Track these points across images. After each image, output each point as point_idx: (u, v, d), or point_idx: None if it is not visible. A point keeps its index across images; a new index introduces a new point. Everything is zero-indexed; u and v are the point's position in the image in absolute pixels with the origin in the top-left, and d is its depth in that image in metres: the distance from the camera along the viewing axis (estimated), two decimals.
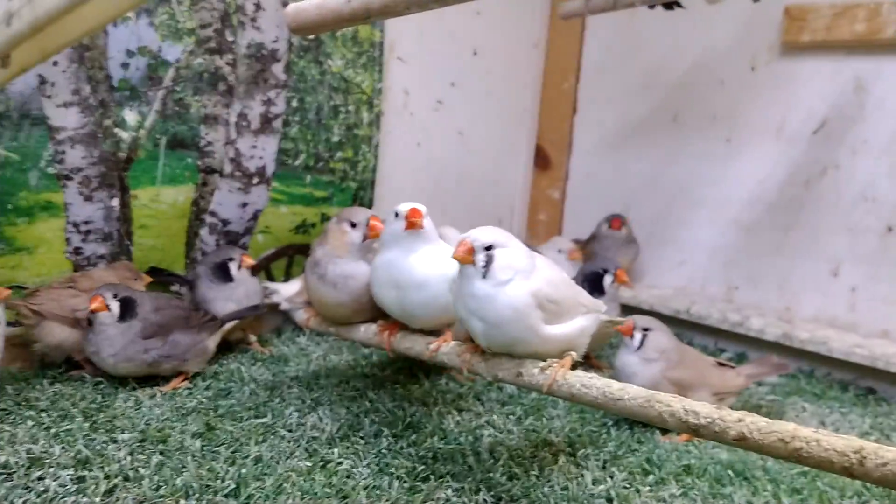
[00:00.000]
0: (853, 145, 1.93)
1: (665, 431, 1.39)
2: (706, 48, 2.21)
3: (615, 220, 2.21)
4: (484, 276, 1.02)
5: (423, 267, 1.17)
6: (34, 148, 1.49)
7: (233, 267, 1.69)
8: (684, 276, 2.28)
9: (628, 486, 1.17)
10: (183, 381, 1.49)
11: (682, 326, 2.16)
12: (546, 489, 1.13)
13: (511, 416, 1.43)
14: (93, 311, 1.40)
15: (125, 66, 1.59)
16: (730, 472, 1.24)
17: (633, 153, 2.42)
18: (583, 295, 1.13)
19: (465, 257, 1.03)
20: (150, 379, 1.48)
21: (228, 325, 1.62)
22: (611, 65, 2.47)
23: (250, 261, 1.72)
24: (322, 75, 1.97)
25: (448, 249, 1.17)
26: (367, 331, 1.33)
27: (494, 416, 1.41)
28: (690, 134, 2.27)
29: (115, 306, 1.42)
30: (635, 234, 2.28)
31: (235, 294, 1.68)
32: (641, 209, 2.36)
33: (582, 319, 1.09)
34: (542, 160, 2.65)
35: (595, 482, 1.17)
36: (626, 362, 1.48)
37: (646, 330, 1.46)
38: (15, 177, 1.48)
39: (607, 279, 1.77)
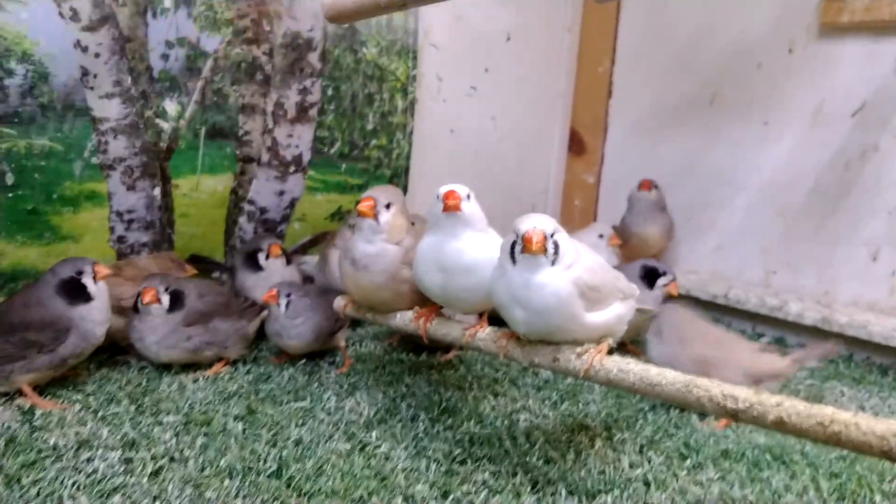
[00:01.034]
0: (893, 127, 1.89)
1: (703, 416, 1.39)
2: (743, 30, 2.17)
3: (645, 182, 2.19)
4: (553, 264, 1.02)
5: (472, 251, 1.16)
6: (78, 139, 1.53)
7: (261, 257, 1.70)
8: (722, 261, 2.26)
9: (665, 469, 1.17)
10: (224, 365, 1.52)
11: (720, 311, 2.14)
12: (583, 472, 1.13)
13: (547, 401, 1.43)
14: (146, 304, 1.43)
15: (165, 57, 1.62)
16: (767, 456, 1.24)
17: (669, 137, 2.40)
18: (620, 280, 1.13)
19: (541, 249, 1.02)
20: (194, 364, 1.51)
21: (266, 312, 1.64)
22: (646, 48, 2.44)
23: (278, 250, 1.71)
24: (357, 63, 1.98)
25: (495, 237, 1.17)
26: (402, 317, 1.34)
27: (530, 401, 1.42)
28: (727, 117, 2.24)
29: (165, 299, 1.45)
30: (672, 214, 2.26)
31: (269, 282, 1.68)
32: (678, 193, 2.33)
33: (619, 306, 1.09)
34: (576, 145, 2.63)
35: (632, 466, 1.17)
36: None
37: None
38: (60, 167, 1.52)
39: (662, 280, 1.74)
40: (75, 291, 1.31)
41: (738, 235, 2.22)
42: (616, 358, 1.01)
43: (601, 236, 2.18)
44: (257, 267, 1.70)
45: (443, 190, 1.17)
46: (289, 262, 1.76)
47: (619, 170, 2.53)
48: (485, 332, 1.18)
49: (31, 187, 1.50)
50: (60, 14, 1.47)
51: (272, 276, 1.70)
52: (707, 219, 2.29)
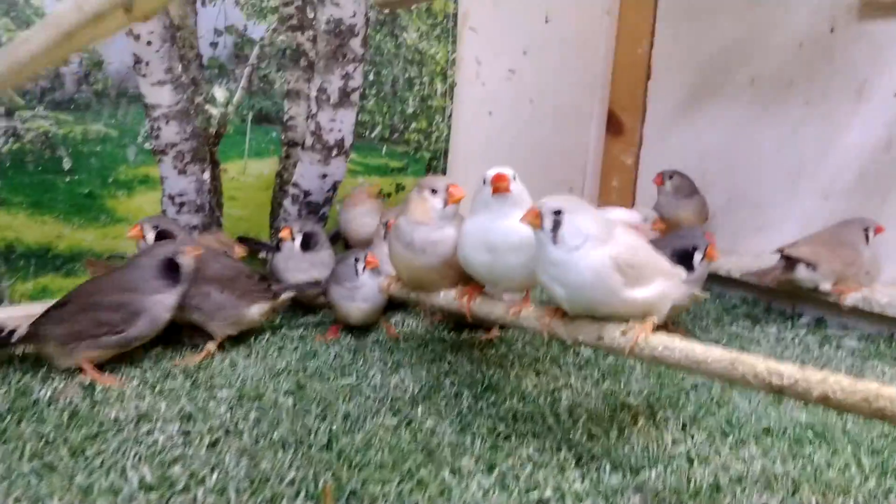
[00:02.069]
0: None
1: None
2: (784, 10, 2.15)
3: (657, 177, 2.19)
4: (554, 242, 1.05)
5: (520, 230, 1.16)
6: (131, 124, 1.59)
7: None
8: (762, 242, 2.25)
9: (708, 446, 1.18)
10: (206, 356, 1.46)
11: (760, 292, 2.14)
12: (626, 449, 1.15)
13: (588, 379, 1.45)
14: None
15: (214, 44, 1.67)
16: (809, 432, 1.24)
17: (709, 118, 2.38)
18: (662, 261, 1.15)
19: (533, 221, 1.05)
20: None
21: (284, 297, 1.61)
22: (685, 29, 2.42)
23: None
24: (397, 48, 2.01)
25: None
26: (446, 296, 1.37)
27: (572, 379, 1.44)
28: (768, 98, 2.22)
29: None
30: (711, 194, 2.25)
31: (301, 265, 1.71)
32: (717, 174, 2.33)
33: (662, 284, 1.10)
34: (614, 126, 2.63)
35: (675, 442, 1.19)
36: None
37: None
38: (115, 152, 1.58)
39: (697, 256, 1.73)
40: (170, 272, 1.37)
41: (779, 216, 2.21)
42: (661, 335, 1.03)
43: (645, 220, 2.20)
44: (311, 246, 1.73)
45: (490, 173, 1.19)
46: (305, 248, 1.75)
47: (658, 151, 2.52)
48: (529, 311, 1.20)
49: (87, 172, 1.56)
50: None
51: (304, 258, 1.72)
52: (748, 199, 2.28)
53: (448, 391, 1.36)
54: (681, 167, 2.36)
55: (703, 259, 1.72)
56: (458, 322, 1.71)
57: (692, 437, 1.21)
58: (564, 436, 1.20)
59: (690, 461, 1.13)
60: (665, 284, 1.11)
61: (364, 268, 1.59)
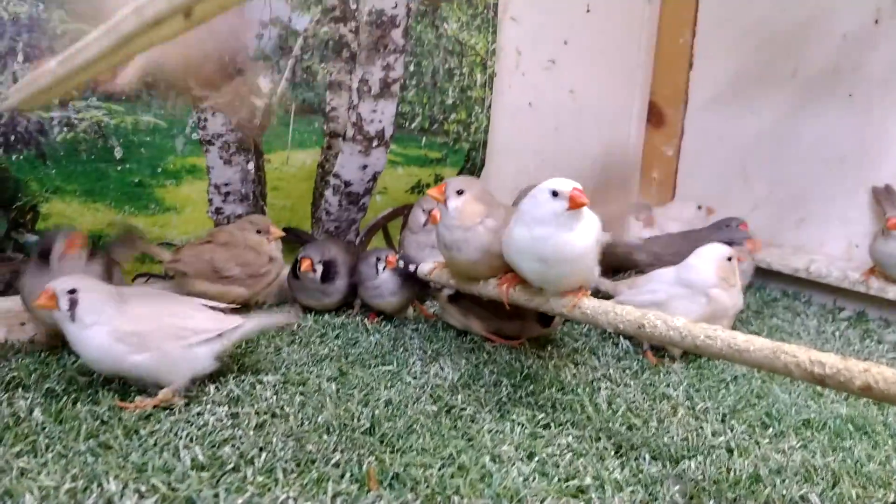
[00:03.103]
0: None
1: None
2: (828, 1, 2.12)
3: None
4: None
5: (580, 241, 1.18)
6: (180, 115, 1.62)
7: (379, 266, 1.69)
8: (803, 234, 2.23)
9: (748, 437, 1.19)
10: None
11: (801, 285, 2.12)
12: (666, 439, 1.16)
13: (628, 371, 1.46)
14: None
15: (259, 36, 1.69)
16: (850, 426, 1.24)
17: (751, 109, 2.36)
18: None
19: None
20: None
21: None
22: (728, 18, 2.40)
23: (393, 260, 1.70)
24: (438, 39, 2.02)
25: (592, 216, 1.20)
26: (485, 284, 1.38)
27: (611, 370, 1.45)
28: (810, 89, 2.19)
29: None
30: (753, 187, 2.24)
31: (315, 294, 1.72)
32: (759, 166, 2.30)
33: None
34: (655, 117, 2.61)
35: (714, 434, 1.19)
36: None
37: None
38: (163, 143, 1.62)
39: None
40: None
41: (821, 208, 2.18)
42: (703, 325, 1.03)
43: (700, 207, 2.22)
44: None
45: (565, 188, 1.16)
46: (368, 234, 1.81)
47: (700, 142, 2.51)
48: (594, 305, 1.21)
49: (138, 161, 1.60)
50: None
51: (322, 287, 1.71)
52: (789, 191, 2.26)
53: (487, 380, 1.37)
54: (722, 158, 2.35)
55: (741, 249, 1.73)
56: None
57: (732, 429, 1.21)
58: (604, 425, 1.21)
59: (730, 452, 1.14)
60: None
61: (385, 267, 1.66)
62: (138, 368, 1.21)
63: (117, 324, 1.18)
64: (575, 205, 1.14)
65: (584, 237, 1.18)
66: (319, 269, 1.66)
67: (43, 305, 1.17)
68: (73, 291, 1.17)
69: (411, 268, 1.64)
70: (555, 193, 1.16)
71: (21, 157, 1.47)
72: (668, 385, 1.39)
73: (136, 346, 1.19)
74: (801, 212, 2.23)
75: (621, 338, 1.62)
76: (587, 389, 1.35)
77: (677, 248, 1.78)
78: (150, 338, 1.20)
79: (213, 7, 0.68)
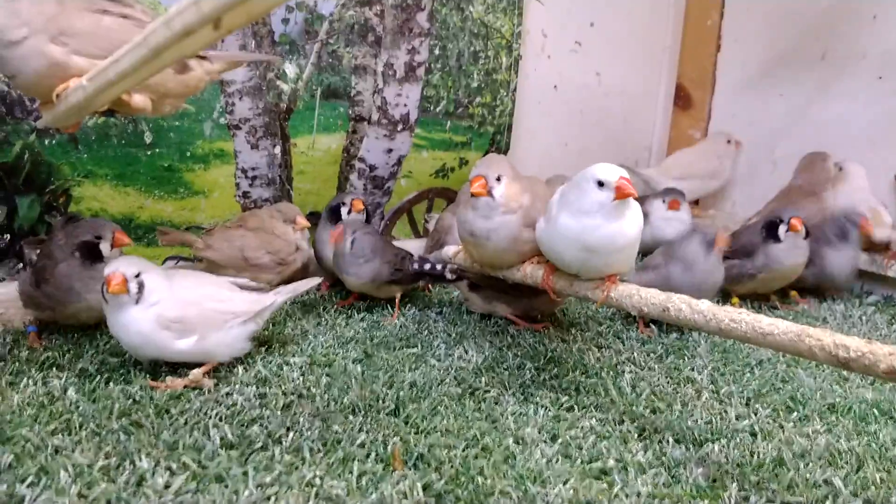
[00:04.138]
0: None
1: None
2: None
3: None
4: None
5: (629, 230, 1.16)
6: (208, 101, 1.64)
7: (343, 211, 1.71)
8: None
9: (772, 421, 1.18)
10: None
11: None
12: (689, 422, 1.16)
13: (652, 355, 1.46)
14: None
15: (285, 21, 1.70)
16: (875, 410, 1.23)
17: (780, 91, 2.33)
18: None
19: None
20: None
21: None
22: (757, 1, 2.36)
23: (360, 205, 1.72)
24: (463, 22, 2.01)
25: (635, 205, 1.19)
26: (527, 272, 1.37)
27: (635, 354, 1.45)
28: (840, 71, 2.16)
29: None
30: (780, 169, 2.22)
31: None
32: (787, 149, 2.27)
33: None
34: (682, 100, 2.59)
35: (738, 417, 1.19)
36: None
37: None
38: (192, 127, 1.64)
39: (781, 229, 1.74)
40: None
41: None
42: (728, 308, 1.03)
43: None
44: (338, 221, 1.71)
45: (611, 177, 1.13)
46: (368, 219, 1.76)
47: (728, 124, 2.48)
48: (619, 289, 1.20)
49: (167, 146, 1.62)
50: None
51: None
52: None
53: (511, 363, 1.38)
54: (749, 141, 2.32)
55: (787, 230, 1.72)
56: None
57: (756, 413, 1.21)
58: (627, 408, 1.21)
59: (754, 436, 1.13)
60: None
61: (349, 212, 1.66)
62: (180, 355, 1.24)
63: (162, 309, 1.21)
64: (621, 195, 1.12)
65: (633, 226, 1.17)
66: (350, 239, 1.60)
67: (118, 292, 1.18)
68: (138, 275, 1.20)
69: (438, 267, 1.62)
70: (601, 183, 1.14)
71: (54, 141, 1.50)
72: (692, 369, 1.39)
73: (180, 332, 1.22)
74: None
75: (651, 323, 1.62)
76: (611, 373, 1.35)
77: None
78: (193, 323, 1.23)
79: (241, 17, 0.68)
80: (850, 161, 2.05)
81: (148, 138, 1.59)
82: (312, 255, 1.75)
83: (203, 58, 1.14)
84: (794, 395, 1.28)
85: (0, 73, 1.16)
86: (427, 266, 1.62)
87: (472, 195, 1.27)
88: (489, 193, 1.29)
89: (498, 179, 1.30)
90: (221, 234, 1.60)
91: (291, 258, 1.65)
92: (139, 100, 1.04)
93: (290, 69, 1.75)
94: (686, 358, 1.45)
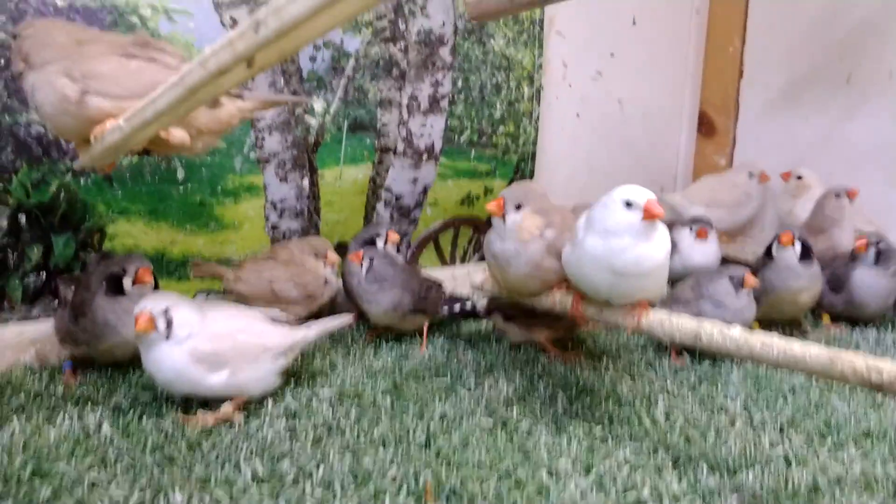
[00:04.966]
0: None
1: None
2: (880, 4, 2.08)
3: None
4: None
5: (658, 253, 1.15)
6: (239, 136, 1.67)
7: (379, 243, 1.72)
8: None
9: (806, 448, 1.16)
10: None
11: None
12: (723, 451, 1.15)
13: (685, 383, 1.44)
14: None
15: (313, 59, 1.74)
16: None
17: (804, 116, 2.32)
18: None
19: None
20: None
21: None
22: (779, 25, 2.36)
23: (396, 237, 1.74)
24: (485, 55, 2.04)
25: (663, 229, 1.18)
26: (556, 299, 1.36)
27: (668, 383, 1.43)
28: (865, 94, 2.15)
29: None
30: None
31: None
32: (815, 172, 2.26)
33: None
34: (706, 126, 2.59)
35: (772, 445, 1.17)
36: None
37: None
38: (223, 162, 1.67)
39: (774, 246, 1.72)
40: None
41: (879, 212, 2.13)
42: (759, 333, 1.02)
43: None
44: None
45: (639, 198, 1.13)
46: (398, 250, 1.76)
47: (753, 150, 2.47)
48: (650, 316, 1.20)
49: (199, 181, 1.65)
50: (222, 23, 1.61)
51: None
52: None
53: (542, 393, 1.37)
54: (776, 167, 2.31)
55: (779, 245, 1.70)
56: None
57: (790, 440, 1.19)
58: (661, 438, 1.20)
59: (788, 463, 1.12)
60: None
61: (369, 267, 1.61)
62: (213, 390, 1.24)
63: (196, 343, 1.22)
64: (649, 216, 1.11)
65: (661, 249, 1.16)
66: (366, 264, 1.60)
67: (145, 330, 1.19)
68: (166, 311, 1.21)
69: (469, 305, 1.61)
70: (628, 204, 1.13)
71: (89, 180, 1.53)
72: (725, 397, 1.37)
73: (213, 366, 1.23)
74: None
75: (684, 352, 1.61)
76: (644, 402, 1.34)
77: None
78: (226, 357, 1.23)
79: (273, 55, 0.70)
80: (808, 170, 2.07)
81: (180, 175, 1.62)
82: (341, 288, 1.76)
83: (237, 96, 1.17)
84: (828, 420, 1.26)
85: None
86: (457, 307, 1.61)
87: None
88: (503, 217, 1.30)
89: (518, 208, 1.30)
90: (251, 267, 1.61)
91: (320, 292, 1.65)
92: (178, 134, 1.07)
93: (318, 104, 1.78)
94: (719, 386, 1.43)
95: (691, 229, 1.99)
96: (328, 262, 1.68)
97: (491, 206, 1.31)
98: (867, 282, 1.76)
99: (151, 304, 1.21)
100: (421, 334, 1.67)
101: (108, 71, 1.06)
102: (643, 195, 1.13)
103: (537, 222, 1.31)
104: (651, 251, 1.15)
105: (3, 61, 1.40)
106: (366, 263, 1.59)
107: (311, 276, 1.63)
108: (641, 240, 1.14)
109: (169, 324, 1.21)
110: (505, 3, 1.09)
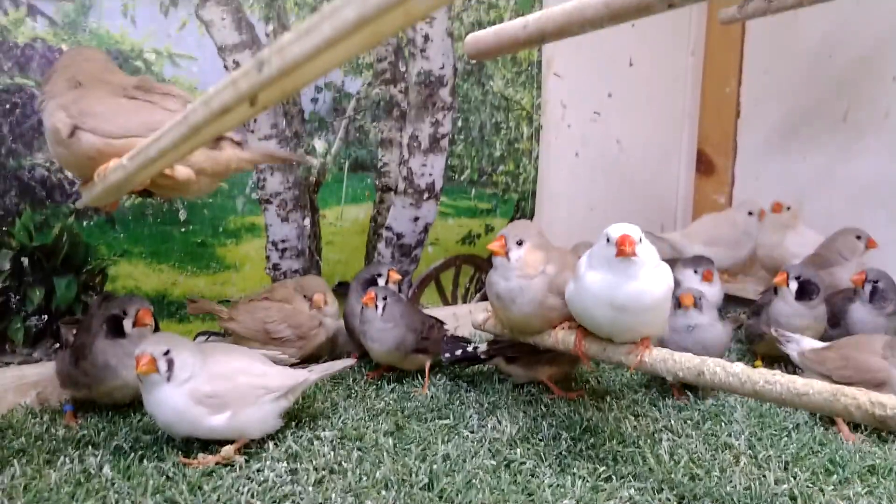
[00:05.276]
0: None
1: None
2: (875, 43, 2.11)
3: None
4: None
5: (652, 289, 1.16)
6: (240, 177, 1.69)
7: (380, 282, 1.72)
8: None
9: (811, 485, 1.15)
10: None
11: None
12: (728, 489, 1.14)
13: (689, 421, 1.43)
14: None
15: (314, 100, 1.77)
16: None
17: (802, 154, 2.34)
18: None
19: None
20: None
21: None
22: (775, 65, 2.40)
23: (397, 276, 1.73)
24: (484, 95, 2.07)
25: (666, 267, 1.19)
26: (558, 337, 1.36)
27: (672, 421, 1.43)
28: (862, 132, 2.17)
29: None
30: (809, 230, 2.21)
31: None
32: (813, 210, 2.27)
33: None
34: (704, 165, 2.61)
35: (777, 482, 1.16)
36: None
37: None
38: (225, 203, 1.68)
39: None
40: None
41: (879, 250, 2.13)
42: (762, 370, 1.02)
43: (751, 213, 2.29)
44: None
45: (615, 234, 1.15)
46: (400, 289, 1.76)
47: (751, 189, 2.49)
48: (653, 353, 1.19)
49: (201, 222, 1.66)
50: (226, 66, 1.64)
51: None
52: None
53: (546, 433, 1.36)
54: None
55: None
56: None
57: (795, 477, 1.18)
58: (666, 476, 1.19)
59: (794, 500, 1.11)
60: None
61: (384, 306, 1.60)
62: (213, 432, 1.23)
63: (196, 385, 1.22)
64: (621, 252, 1.13)
65: (659, 285, 1.17)
66: (381, 304, 1.59)
67: (146, 372, 1.19)
68: (167, 352, 1.21)
69: (470, 350, 1.60)
70: (608, 239, 1.16)
71: (92, 222, 1.54)
72: (729, 434, 1.36)
73: (213, 408, 1.22)
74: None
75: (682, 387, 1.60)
76: (648, 441, 1.33)
77: None
78: (226, 399, 1.23)
79: (276, 94, 0.71)
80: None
81: (182, 216, 1.63)
82: (342, 327, 1.76)
83: (238, 144, 1.18)
84: (832, 457, 1.25)
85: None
86: (459, 352, 1.61)
87: (490, 253, 1.30)
88: (506, 255, 1.31)
89: (519, 244, 1.31)
90: (246, 306, 1.62)
91: (313, 333, 1.65)
92: (183, 171, 1.08)
93: (319, 144, 1.80)
94: (723, 423, 1.42)
95: (696, 271, 1.99)
96: (313, 305, 1.66)
97: (493, 245, 1.32)
98: (863, 319, 1.76)
99: (152, 347, 1.21)
100: (422, 374, 1.66)
101: (102, 110, 1.09)
102: (619, 230, 1.15)
103: (539, 257, 1.32)
104: (651, 287, 1.16)
105: (8, 106, 1.42)
106: (380, 304, 1.59)
107: (304, 316, 1.63)
108: (627, 277, 1.15)
109: (170, 366, 1.21)
110: (502, 41, 1.11)
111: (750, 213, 2.30)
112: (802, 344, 1.56)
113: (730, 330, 1.66)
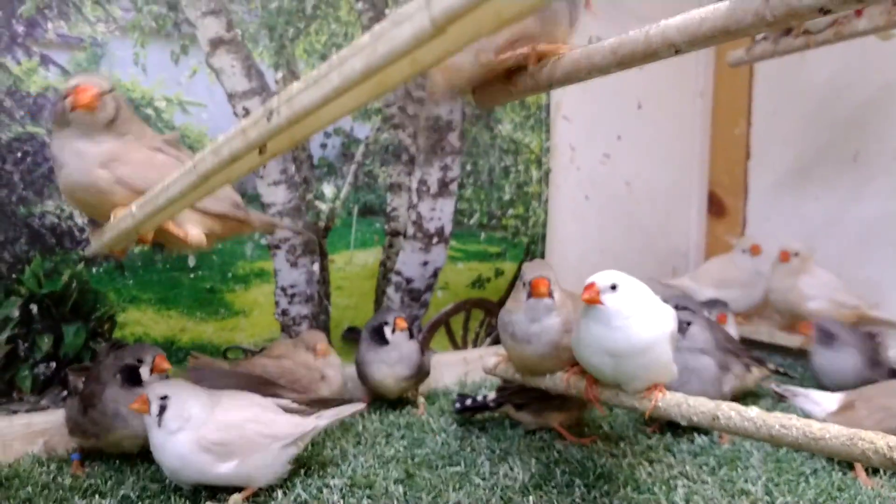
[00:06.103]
0: None
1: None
2: (884, 83, 2.12)
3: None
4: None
5: (643, 332, 1.14)
6: None
7: (387, 331, 1.70)
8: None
9: None
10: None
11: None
12: None
13: (704, 467, 1.40)
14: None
15: (323, 146, 1.78)
16: None
17: (814, 195, 2.34)
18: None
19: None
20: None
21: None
22: (784, 107, 2.41)
23: (404, 324, 1.70)
24: (493, 139, 2.08)
25: (662, 305, 1.17)
26: (552, 378, 1.35)
27: (687, 467, 1.39)
28: (873, 172, 2.17)
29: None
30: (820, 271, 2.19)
31: (389, 357, 1.69)
32: (826, 251, 2.25)
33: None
34: (716, 207, 2.61)
35: None
36: None
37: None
38: (234, 249, 1.68)
39: None
40: None
41: (891, 294, 2.11)
42: (777, 414, 1.00)
43: (744, 251, 2.31)
44: (382, 341, 1.69)
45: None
46: (412, 335, 1.74)
47: (764, 229, 2.48)
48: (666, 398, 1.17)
49: (210, 268, 1.66)
50: (235, 114, 1.66)
51: (393, 350, 1.69)
52: (859, 275, 2.19)
53: (559, 480, 1.33)
54: (787, 245, 2.30)
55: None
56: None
57: None
58: None
59: None
60: None
61: (393, 331, 1.70)
62: (220, 479, 1.22)
63: (204, 432, 1.21)
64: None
65: (652, 327, 1.14)
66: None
67: (138, 409, 1.22)
68: (164, 397, 1.21)
69: (479, 399, 1.61)
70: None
71: (101, 269, 1.55)
72: (746, 480, 1.33)
73: (221, 456, 1.21)
74: (875, 296, 2.16)
75: (695, 432, 1.57)
76: (663, 488, 1.30)
77: None
78: (234, 446, 1.22)
79: (285, 142, 0.72)
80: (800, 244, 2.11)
81: (191, 262, 1.64)
82: (353, 374, 1.74)
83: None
84: (851, 502, 1.22)
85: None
86: (468, 402, 1.61)
87: (537, 296, 1.26)
88: (551, 296, 1.27)
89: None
90: (245, 364, 1.60)
91: (314, 387, 1.62)
92: (195, 233, 1.09)
93: (328, 189, 1.81)
94: (739, 469, 1.39)
95: (710, 314, 1.97)
96: (318, 354, 1.63)
97: (543, 288, 1.26)
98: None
99: (155, 388, 1.23)
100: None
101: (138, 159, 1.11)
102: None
103: (564, 293, 1.31)
104: (639, 330, 1.13)
105: (19, 154, 1.44)
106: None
107: (302, 370, 1.61)
108: (602, 324, 1.14)
109: (161, 411, 1.21)
110: (510, 91, 1.12)
111: (743, 251, 2.29)
112: (811, 397, 1.53)
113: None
